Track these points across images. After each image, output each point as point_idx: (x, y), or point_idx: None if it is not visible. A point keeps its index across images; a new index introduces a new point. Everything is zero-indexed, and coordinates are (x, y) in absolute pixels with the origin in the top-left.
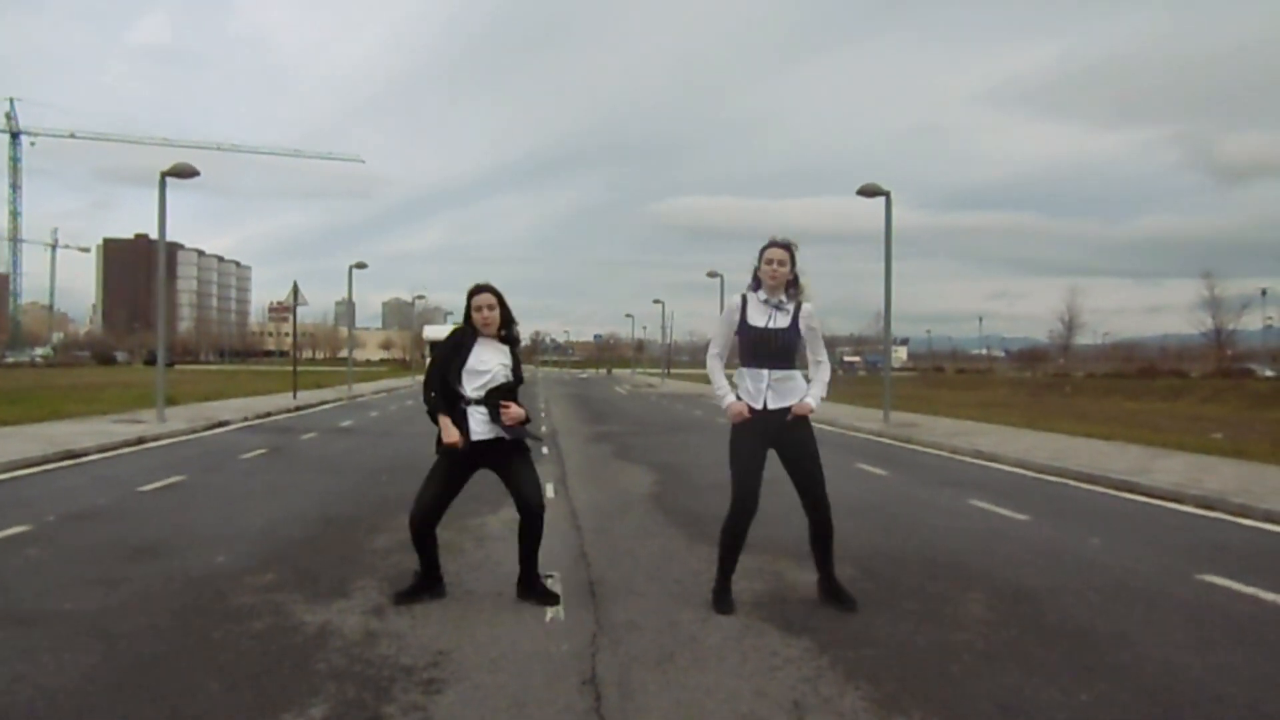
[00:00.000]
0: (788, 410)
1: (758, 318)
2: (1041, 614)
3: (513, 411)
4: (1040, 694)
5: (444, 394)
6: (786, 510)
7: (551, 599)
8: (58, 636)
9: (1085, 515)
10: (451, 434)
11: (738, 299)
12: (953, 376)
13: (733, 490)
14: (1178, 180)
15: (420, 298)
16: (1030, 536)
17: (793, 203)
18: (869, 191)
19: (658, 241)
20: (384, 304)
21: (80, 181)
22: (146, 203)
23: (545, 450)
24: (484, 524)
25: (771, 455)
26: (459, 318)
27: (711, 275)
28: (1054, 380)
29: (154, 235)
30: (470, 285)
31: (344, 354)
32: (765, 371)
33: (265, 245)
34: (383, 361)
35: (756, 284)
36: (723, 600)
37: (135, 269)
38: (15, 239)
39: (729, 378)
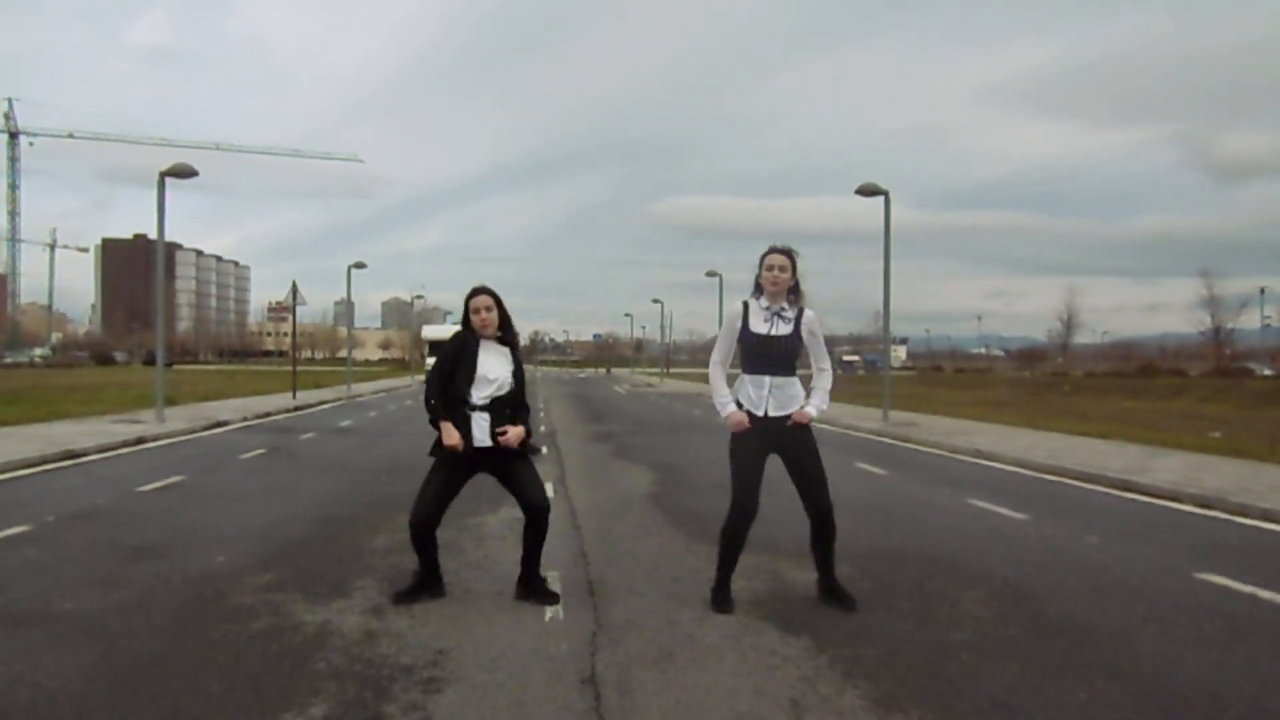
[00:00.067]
0: (788, 418)
1: (760, 325)
2: (1040, 613)
3: (510, 436)
4: (1038, 692)
5: (445, 399)
6: (786, 510)
7: (551, 598)
8: (58, 636)
9: (1084, 514)
10: (452, 436)
11: (739, 306)
12: (952, 375)
13: (733, 492)
14: (1176, 179)
15: (419, 297)
16: (1029, 535)
17: (792, 202)
18: (868, 191)
19: (657, 241)
20: (383, 304)
21: (79, 181)
22: (145, 203)
23: (544, 450)
24: (483, 523)
25: (773, 456)
26: (458, 318)
27: (710, 275)
28: (1053, 379)
29: (153, 235)
30: (469, 287)
31: (343, 354)
32: (767, 378)
33: (264, 245)
34: (382, 361)
35: (758, 290)
36: (722, 599)
37: (134, 269)
38: (14, 239)
39: (730, 381)
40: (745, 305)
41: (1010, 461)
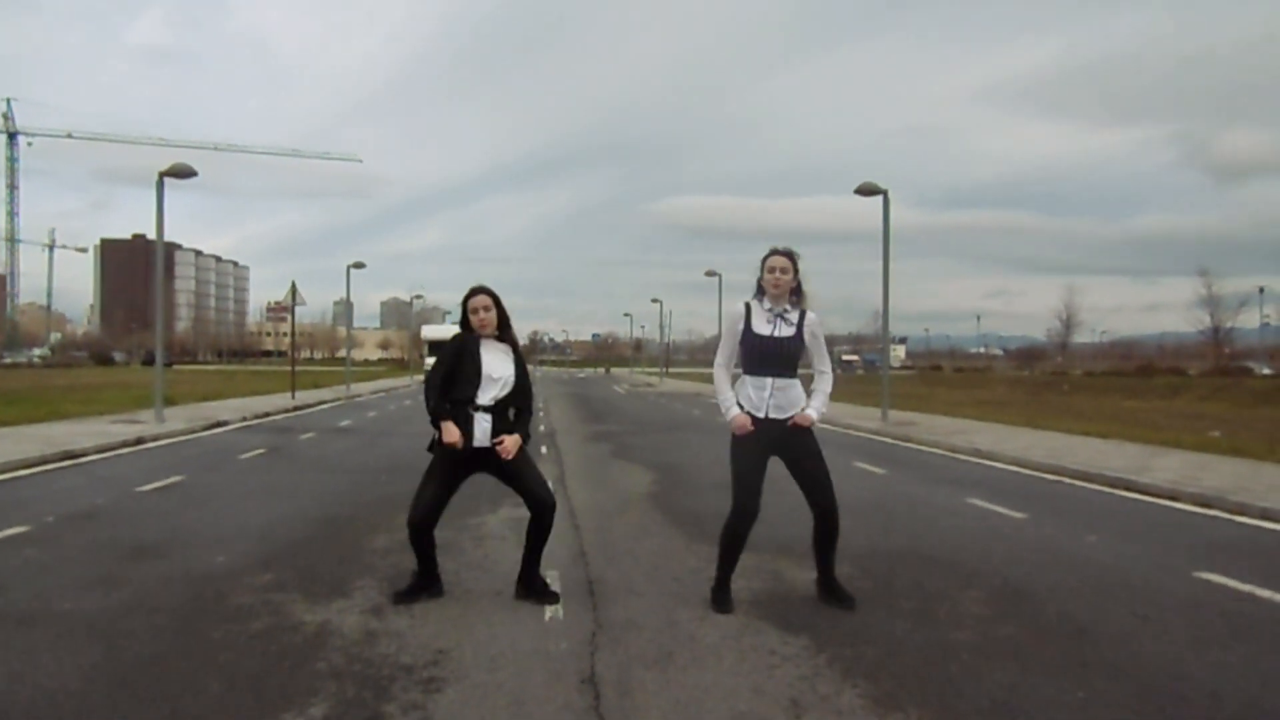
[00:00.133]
0: (789, 419)
1: (763, 326)
2: (1039, 612)
3: (507, 444)
4: (1037, 691)
5: (446, 396)
6: (786, 510)
7: (551, 598)
8: (57, 636)
9: (1083, 513)
10: (452, 433)
11: (740, 307)
12: (951, 375)
13: (734, 493)
14: (1175, 179)
15: (418, 297)
16: (1028, 534)
17: (792, 202)
18: (867, 190)
19: (656, 241)
20: (382, 304)
21: (78, 182)
22: (144, 203)
23: (544, 449)
24: (483, 523)
25: (774, 457)
26: (457, 318)
27: (710, 274)
28: (1052, 378)
29: (152, 235)
30: (468, 287)
31: (342, 354)
32: (768, 380)
33: (263, 245)
34: (381, 361)
35: (760, 292)
36: (721, 599)
37: (133, 269)
38: (13, 239)
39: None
40: (747, 306)
41: (1009, 461)
